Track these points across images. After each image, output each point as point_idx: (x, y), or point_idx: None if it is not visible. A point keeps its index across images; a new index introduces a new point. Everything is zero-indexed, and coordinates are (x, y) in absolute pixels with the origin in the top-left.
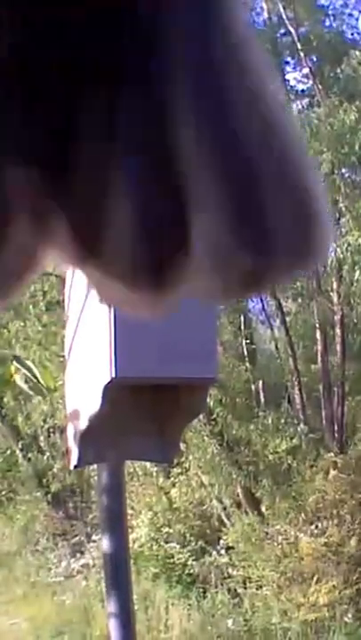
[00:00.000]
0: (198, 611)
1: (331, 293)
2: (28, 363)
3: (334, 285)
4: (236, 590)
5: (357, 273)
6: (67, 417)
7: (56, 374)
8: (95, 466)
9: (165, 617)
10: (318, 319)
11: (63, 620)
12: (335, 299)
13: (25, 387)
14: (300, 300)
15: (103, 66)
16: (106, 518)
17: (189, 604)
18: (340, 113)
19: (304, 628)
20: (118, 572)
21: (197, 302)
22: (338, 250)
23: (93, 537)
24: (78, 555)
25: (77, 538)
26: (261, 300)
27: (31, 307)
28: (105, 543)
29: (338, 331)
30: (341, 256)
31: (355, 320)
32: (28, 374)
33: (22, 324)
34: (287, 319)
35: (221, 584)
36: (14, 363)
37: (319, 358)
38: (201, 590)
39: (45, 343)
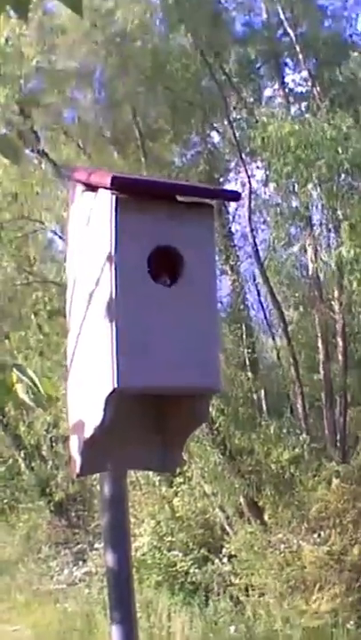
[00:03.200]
0: (201, 618)
1: (332, 302)
2: (29, 372)
3: (336, 294)
4: (238, 598)
5: (355, 284)
6: (69, 427)
7: (59, 384)
8: (98, 475)
9: (168, 624)
10: (320, 328)
11: (65, 627)
12: (337, 307)
13: (26, 398)
14: (301, 309)
15: None
16: (108, 529)
17: (192, 612)
18: (338, 119)
19: (306, 636)
20: (121, 581)
21: (199, 309)
22: (336, 259)
23: (96, 545)
24: (81, 562)
25: (80, 546)
26: (263, 310)
27: (32, 316)
28: (107, 554)
29: (339, 339)
30: (339, 267)
31: (356, 329)
32: (30, 384)
33: (23, 333)
34: (289, 328)
35: (224, 592)
36: (15, 371)
37: (321, 367)
38: (203, 598)
39: (47, 352)
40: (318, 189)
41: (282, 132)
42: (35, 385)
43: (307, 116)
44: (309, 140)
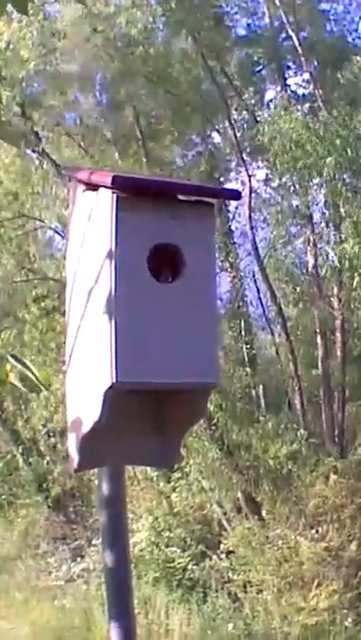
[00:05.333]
0: (199, 615)
1: (331, 298)
2: (26, 361)
3: (335, 290)
4: (236, 594)
5: (356, 279)
6: (67, 422)
7: (55, 377)
8: (95, 471)
9: (166, 621)
10: (319, 324)
11: (64, 624)
12: (336, 304)
13: (19, 384)
14: (300, 306)
15: None
16: (106, 525)
17: (190, 609)
18: (345, 118)
19: (304, 633)
20: (119, 578)
21: (198, 307)
22: (337, 255)
23: (94, 541)
24: (79, 559)
25: (78, 542)
26: (262, 306)
27: (31, 312)
28: (105, 551)
29: (338, 335)
30: (340, 262)
31: (355, 325)
32: (25, 371)
33: (16, 331)
34: (288, 324)
35: (222, 588)
36: (10, 360)
37: (320, 363)
38: (201, 594)
39: (44, 348)
40: (323, 186)
41: (293, 125)
42: (30, 371)
43: (321, 114)
44: (322, 136)
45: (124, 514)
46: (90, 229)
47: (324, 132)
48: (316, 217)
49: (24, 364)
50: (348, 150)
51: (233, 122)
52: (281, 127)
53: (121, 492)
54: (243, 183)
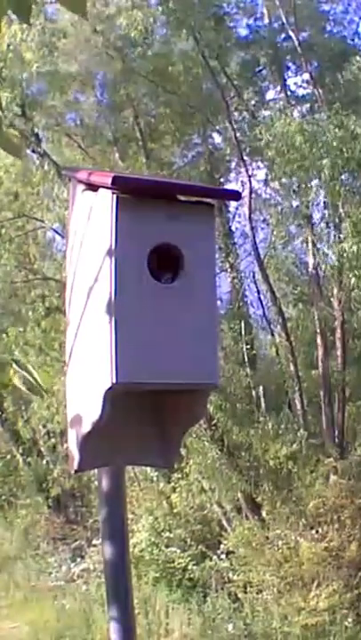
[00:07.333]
0: (199, 615)
1: (331, 299)
2: (28, 366)
3: (335, 291)
4: (236, 595)
5: (353, 280)
6: (68, 422)
7: (55, 379)
8: (95, 471)
9: (166, 621)
10: (319, 324)
11: (63, 624)
12: (336, 304)
13: (23, 388)
14: (300, 306)
15: None
16: (106, 522)
17: (190, 609)
18: (342, 119)
19: (304, 633)
20: (119, 578)
21: (198, 307)
22: (336, 255)
23: (94, 541)
24: (79, 559)
25: (78, 542)
26: (262, 306)
27: (30, 312)
28: (105, 550)
29: (338, 336)
30: (341, 262)
31: (355, 325)
32: (28, 376)
33: (22, 329)
34: (288, 325)
35: (222, 588)
36: (13, 366)
37: (320, 363)
38: (201, 595)
39: (45, 348)
40: (322, 188)
41: (289, 130)
42: (33, 377)
43: (316, 116)
44: (316, 139)
45: (123, 512)
46: (90, 229)
47: (319, 133)
48: (316, 217)
49: (26, 369)
50: (345, 151)
51: (233, 122)
52: (276, 132)
53: (121, 491)
54: (243, 183)
